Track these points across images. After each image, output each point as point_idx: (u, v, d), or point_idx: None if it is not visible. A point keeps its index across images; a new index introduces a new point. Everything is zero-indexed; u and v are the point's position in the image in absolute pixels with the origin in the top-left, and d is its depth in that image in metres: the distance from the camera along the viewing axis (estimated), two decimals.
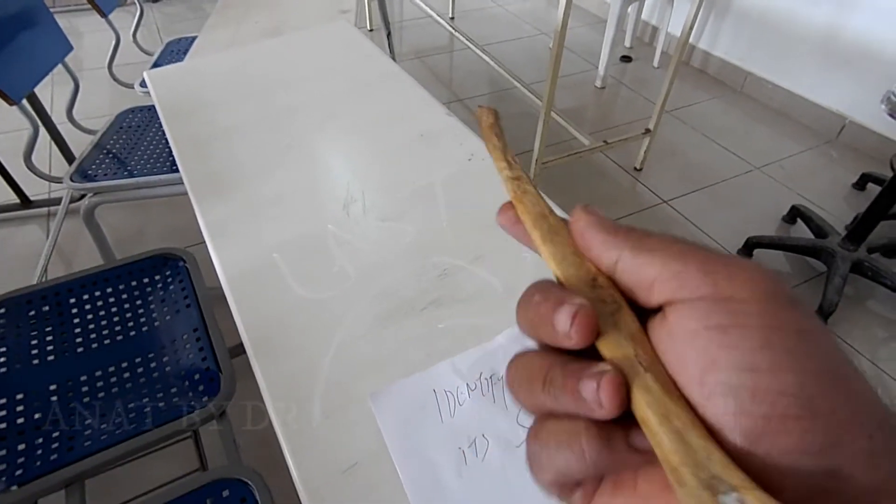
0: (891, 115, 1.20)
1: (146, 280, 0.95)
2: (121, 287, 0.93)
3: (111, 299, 0.91)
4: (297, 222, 0.61)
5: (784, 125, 2.25)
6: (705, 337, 0.13)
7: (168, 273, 0.96)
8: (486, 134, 0.20)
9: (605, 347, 0.14)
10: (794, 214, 1.72)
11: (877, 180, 1.82)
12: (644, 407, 0.13)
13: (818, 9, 2.09)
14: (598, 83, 2.46)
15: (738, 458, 0.12)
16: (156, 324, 0.89)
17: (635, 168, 1.96)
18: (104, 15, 1.41)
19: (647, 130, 1.86)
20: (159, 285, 0.95)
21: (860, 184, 1.88)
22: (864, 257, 1.44)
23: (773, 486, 0.11)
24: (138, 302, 0.92)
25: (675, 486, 0.12)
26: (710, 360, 0.12)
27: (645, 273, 0.14)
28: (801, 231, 1.68)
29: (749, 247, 1.60)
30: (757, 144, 2.13)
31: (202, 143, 0.74)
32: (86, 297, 0.91)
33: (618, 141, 1.84)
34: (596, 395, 0.13)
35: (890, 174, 1.38)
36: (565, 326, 0.14)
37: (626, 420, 0.13)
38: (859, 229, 1.44)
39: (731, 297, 0.13)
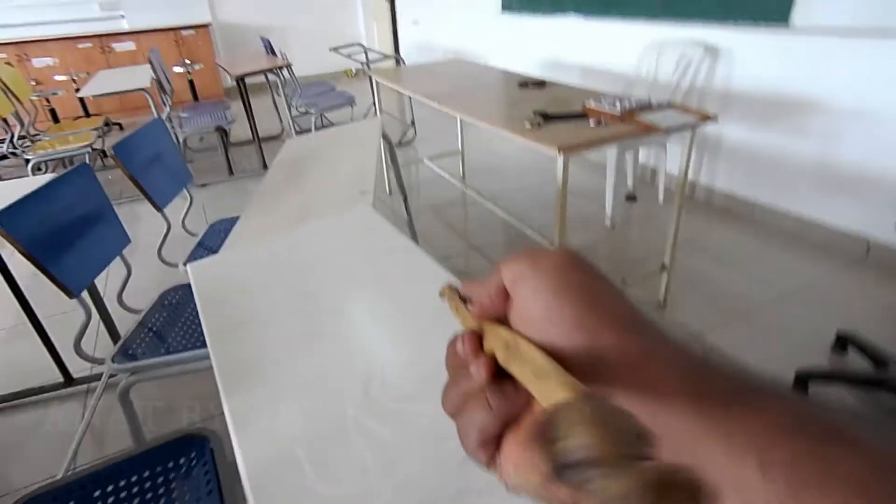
0: None
1: (171, 464, 0.93)
2: (146, 474, 0.92)
3: (135, 489, 0.89)
4: (318, 408, 0.61)
5: (805, 249, 2.26)
6: (544, 299, 0.21)
7: (193, 454, 0.95)
8: (454, 310, 0.26)
9: (489, 339, 0.22)
10: (844, 342, 1.63)
11: None
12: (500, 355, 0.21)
13: (806, 143, 2.23)
14: (608, 223, 2.58)
15: (584, 361, 0.19)
16: None
17: (659, 304, 1.95)
18: (160, 210, 1.61)
19: (664, 266, 1.89)
20: (184, 469, 0.93)
21: None
22: None
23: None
24: (160, 490, 0.89)
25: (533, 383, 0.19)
26: (552, 312, 0.20)
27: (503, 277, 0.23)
28: (856, 360, 1.58)
29: (801, 381, 1.50)
30: (782, 270, 2.12)
31: (233, 328, 0.79)
32: (110, 488, 0.90)
33: (636, 279, 1.86)
34: (477, 369, 0.21)
35: None
36: (477, 372, 0.21)
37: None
38: None
39: (545, 269, 0.21)
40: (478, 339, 0.22)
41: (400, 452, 0.54)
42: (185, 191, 1.85)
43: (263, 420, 0.61)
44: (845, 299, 1.91)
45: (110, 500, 0.87)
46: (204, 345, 1.29)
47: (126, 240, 1.44)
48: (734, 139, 2.55)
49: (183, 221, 1.82)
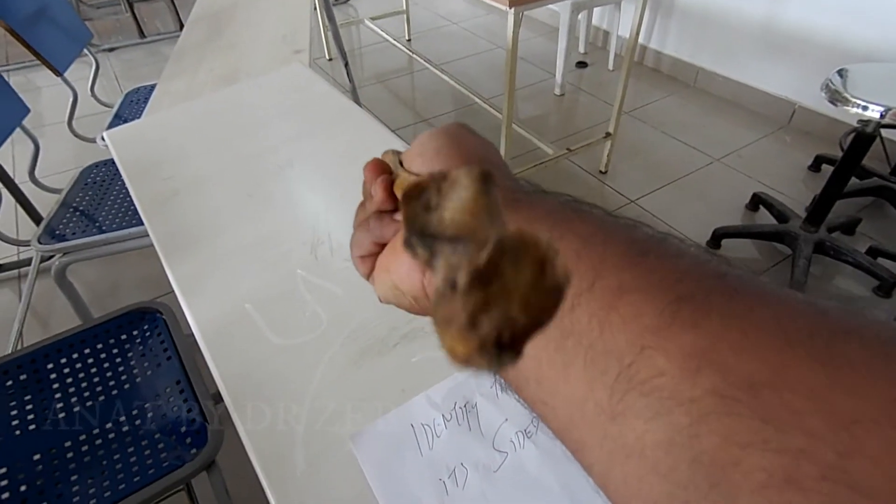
0: (831, 102, 1.26)
1: (124, 337, 0.94)
2: (99, 347, 0.93)
3: (90, 360, 0.91)
4: (266, 270, 0.62)
5: (738, 115, 2.34)
6: (419, 140, 0.25)
7: (146, 327, 0.96)
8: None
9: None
10: (757, 202, 1.78)
11: (830, 161, 1.90)
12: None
13: (754, 2, 2.19)
14: (557, 91, 2.53)
15: None
16: (137, 380, 0.89)
17: (601, 171, 2.01)
18: (59, 74, 1.41)
19: (608, 134, 1.91)
20: (138, 340, 0.94)
21: (815, 166, 1.96)
22: (825, 237, 1.50)
23: None
24: (118, 360, 0.91)
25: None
26: (421, 146, 0.24)
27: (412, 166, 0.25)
28: (765, 217, 1.75)
29: (717, 238, 1.65)
30: (715, 136, 2.20)
31: (166, 198, 0.75)
32: (63, 360, 0.90)
33: (580, 147, 1.89)
34: (375, 189, 0.24)
35: (841, 155, 1.44)
36: (376, 191, 0.24)
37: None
38: (818, 211, 1.50)
39: (431, 132, 0.25)
40: (383, 169, 0.25)
41: (351, 306, 0.57)
42: (87, 53, 1.62)
43: (212, 285, 0.62)
44: (766, 163, 2.04)
45: (65, 371, 0.89)
46: (140, 223, 1.24)
47: (24, 109, 1.27)
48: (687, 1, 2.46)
49: (91, 89, 1.62)
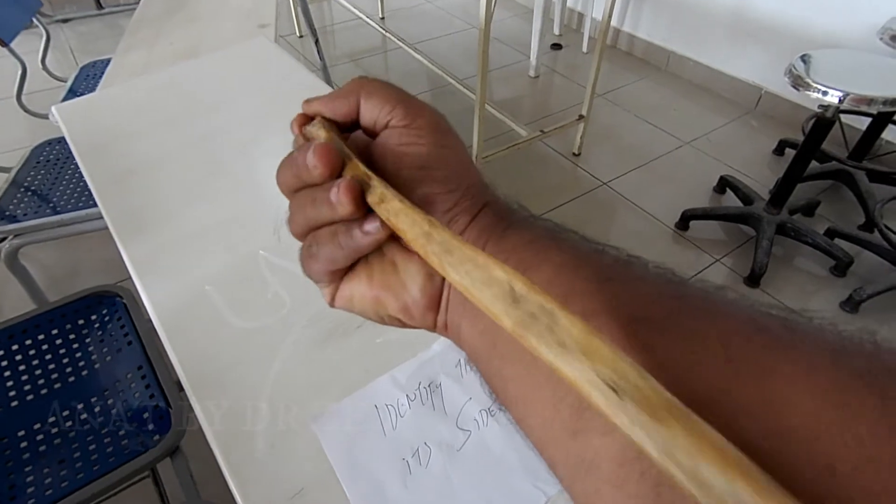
0: (794, 87, 1.29)
1: (81, 322, 0.91)
2: (54, 332, 0.89)
3: (44, 346, 0.87)
4: (227, 251, 0.60)
5: (708, 99, 2.37)
6: (397, 149, 0.22)
7: (105, 312, 0.92)
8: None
9: (347, 173, 0.21)
10: (724, 185, 1.82)
11: (793, 145, 1.95)
12: (374, 203, 0.20)
13: None
14: (532, 73, 2.52)
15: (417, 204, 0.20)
16: (96, 366, 0.86)
17: (573, 153, 2.02)
18: (4, 44, 1.33)
19: (581, 116, 1.92)
20: (96, 325, 0.91)
21: (779, 150, 2.01)
22: (786, 219, 1.55)
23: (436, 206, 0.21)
24: (75, 346, 0.88)
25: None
26: (400, 161, 0.22)
27: (369, 114, 0.23)
28: (731, 200, 1.79)
29: (685, 219, 1.69)
30: (685, 120, 2.23)
31: (121, 177, 0.72)
32: (15, 347, 0.87)
33: (553, 129, 1.89)
34: (338, 196, 0.20)
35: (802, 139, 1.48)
36: (312, 160, 0.20)
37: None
38: (780, 193, 1.54)
39: (414, 124, 0.22)
40: (337, 161, 0.21)
41: (314, 287, 0.55)
42: (35, 22, 1.53)
43: (170, 268, 0.59)
44: (733, 146, 2.08)
45: (17, 358, 0.85)
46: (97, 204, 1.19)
47: None
48: None
49: (42, 62, 1.53)
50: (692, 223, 1.70)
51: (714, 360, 0.15)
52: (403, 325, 0.23)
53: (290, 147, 0.24)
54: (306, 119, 0.24)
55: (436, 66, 2.31)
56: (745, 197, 1.68)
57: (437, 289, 0.21)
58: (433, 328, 0.22)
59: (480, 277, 0.17)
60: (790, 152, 1.97)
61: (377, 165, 0.22)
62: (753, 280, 1.50)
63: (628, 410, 0.12)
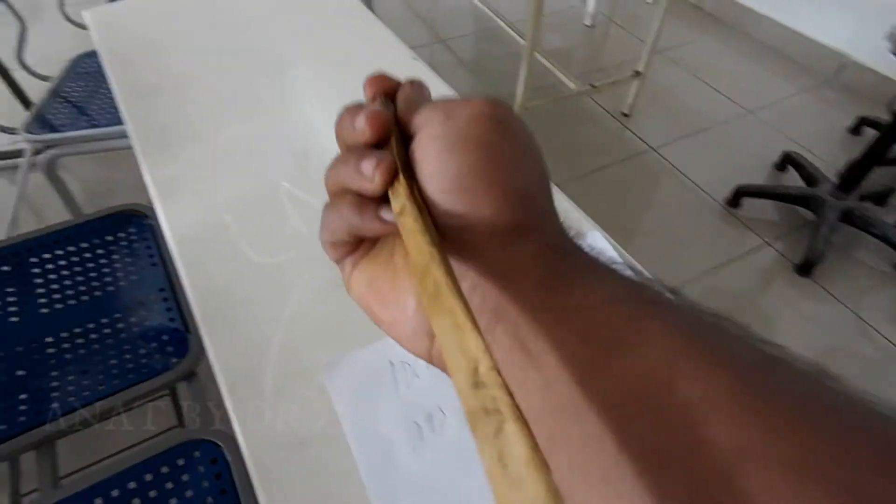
0: (894, 53, 1.14)
1: (110, 238, 0.91)
2: (84, 245, 0.89)
3: (74, 258, 0.88)
4: (250, 178, 0.57)
5: (780, 65, 2.17)
6: (436, 147, 0.18)
7: (133, 230, 0.92)
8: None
9: (389, 155, 0.19)
10: (786, 161, 1.68)
11: (873, 124, 1.77)
12: (395, 211, 0.18)
13: None
14: (587, 21, 2.34)
15: (451, 224, 0.17)
16: (122, 283, 0.86)
17: (623, 113, 1.89)
18: None
19: (637, 73, 1.77)
20: (124, 243, 0.91)
21: (856, 128, 1.83)
22: (854, 206, 1.42)
23: (480, 234, 0.17)
24: (102, 261, 0.88)
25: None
26: (438, 162, 0.17)
27: (413, 120, 0.19)
28: (793, 178, 1.65)
29: (738, 195, 1.57)
30: (751, 86, 2.05)
31: (149, 92, 0.68)
32: (47, 255, 0.88)
33: (606, 84, 1.76)
34: (371, 171, 0.18)
35: (887, 118, 1.33)
36: (361, 124, 0.19)
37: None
38: (851, 177, 1.41)
39: (455, 119, 0.18)
40: (387, 129, 0.19)
41: None
42: None
43: (191, 192, 0.57)
44: (803, 119, 1.91)
45: (48, 266, 0.86)
46: None
47: None
48: None
49: None
50: (745, 200, 1.58)
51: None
52: (394, 336, 0.20)
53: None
54: (383, 88, 0.21)
55: (485, 4, 2.16)
56: (810, 177, 1.55)
57: None
58: (428, 359, 0.19)
59: (455, 340, 0.14)
60: (868, 132, 1.80)
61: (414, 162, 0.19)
62: (805, 269, 1.40)
63: None
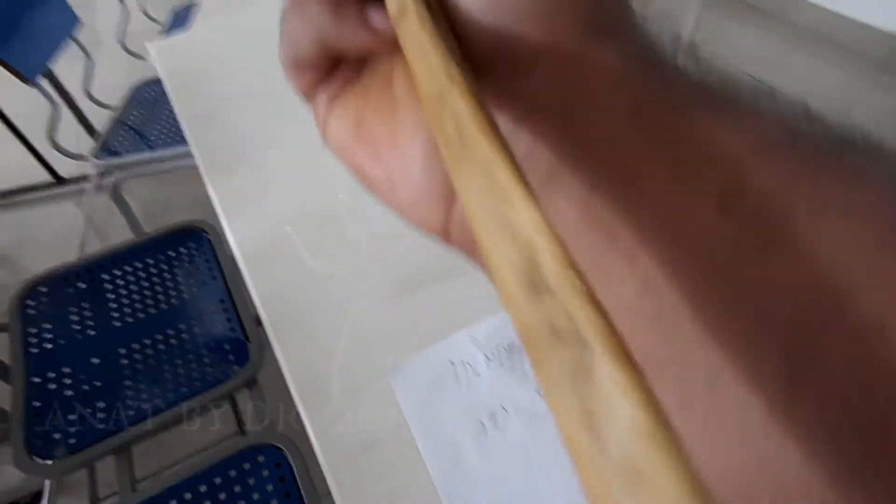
0: None
1: (172, 254, 0.96)
2: (149, 262, 0.95)
3: (141, 274, 0.94)
4: (308, 191, 0.60)
5: (826, 50, 2.08)
6: None
7: (193, 245, 0.97)
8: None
9: None
10: None
11: None
12: (393, 14, 0.12)
13: None
14: None
15: (483, 30, 0.11)
16: (184, 296, 0.91)
17: None
18: None
19: None
20: (185, 258, 0.96)
21: None
22: None
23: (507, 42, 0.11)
24: (166, 276, 0.94)
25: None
26: None
27: None
28: None
29: None
30: (794, 74, 1.97)
31: (210, 115, 0.72)
32: (117, 272, 0.94)
33: None
34: None
35: None
36: None
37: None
38: None
39: None
40: None
41: (392, 231, 0.54)
42: None
43: (253, 205, 0.60)
44: (853, 107, 1.81)
45: (119, 283, 0.92)
46: None
47: (74, 18, 1.26)
48: None
49: (142, 5, 1.59)
50: None
51: None
52: (393, 205, 0.14)
53: None
54: None
55: None
56: None
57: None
58: (445, 236, 0.13)
59: (493, 211, 0.08)
60: None
61: None
62: None
63: None
